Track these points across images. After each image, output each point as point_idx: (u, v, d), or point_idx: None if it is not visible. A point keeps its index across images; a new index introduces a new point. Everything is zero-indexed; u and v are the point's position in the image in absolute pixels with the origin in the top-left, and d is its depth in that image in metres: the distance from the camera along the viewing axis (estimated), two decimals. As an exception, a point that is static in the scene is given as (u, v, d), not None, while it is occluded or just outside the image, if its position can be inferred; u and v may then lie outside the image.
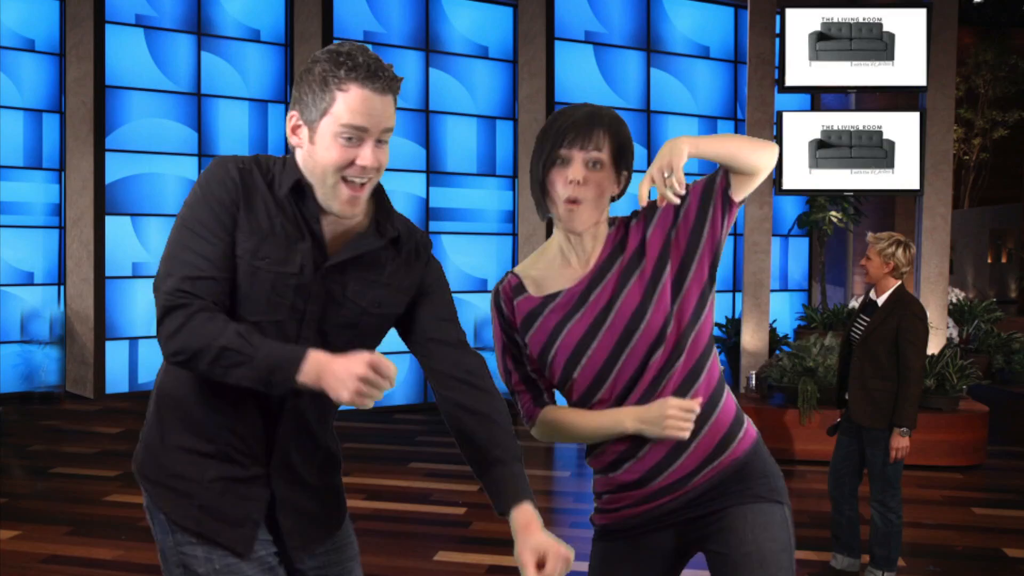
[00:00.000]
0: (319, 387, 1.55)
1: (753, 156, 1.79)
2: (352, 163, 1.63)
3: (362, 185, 1.66)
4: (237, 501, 1.73)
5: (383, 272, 1.75)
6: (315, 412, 1.78)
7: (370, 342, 1.77)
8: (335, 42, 1.70)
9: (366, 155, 1.63)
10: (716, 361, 1.90)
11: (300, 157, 1.68)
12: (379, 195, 1.77)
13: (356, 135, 1.62)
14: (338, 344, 1.68)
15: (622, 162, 1.85)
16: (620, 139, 1.83)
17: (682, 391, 1.83)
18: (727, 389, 1.92)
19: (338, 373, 1.53)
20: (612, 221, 1.92)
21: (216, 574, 1.71)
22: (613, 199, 1.88)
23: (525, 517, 1.72)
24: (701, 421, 1.84)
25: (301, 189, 1.68)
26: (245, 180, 1.67)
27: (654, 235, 1.86)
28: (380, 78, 1.62)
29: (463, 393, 1.78)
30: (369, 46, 6.45)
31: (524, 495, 1.73)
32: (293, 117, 1.67)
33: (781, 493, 1.88)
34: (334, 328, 1.73)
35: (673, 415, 1.78)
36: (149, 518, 1.79)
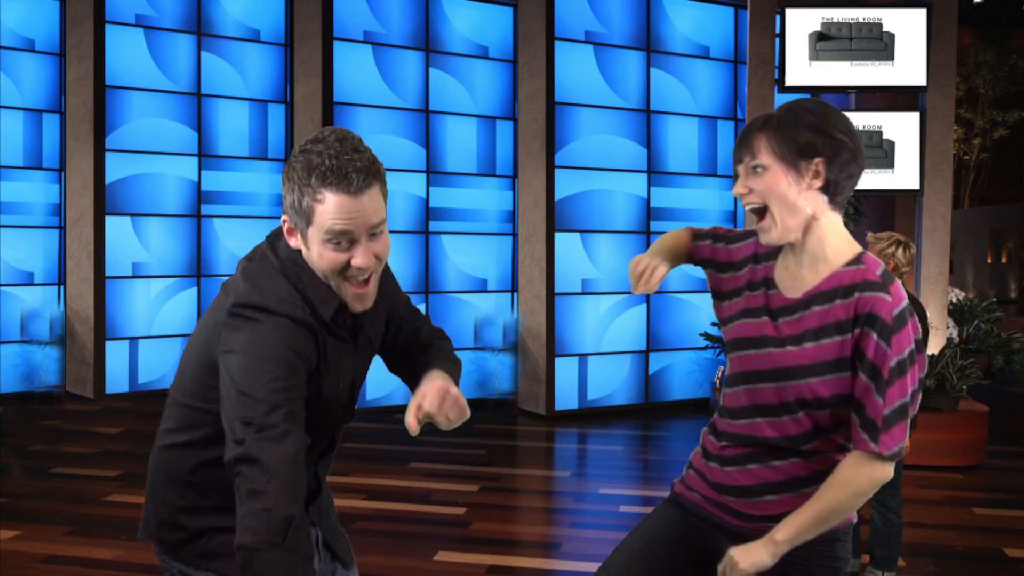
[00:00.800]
0: None
1: (851, 506, 1.78)
2: (348, 265, 1.63)
3: (365, 281, 1.67)
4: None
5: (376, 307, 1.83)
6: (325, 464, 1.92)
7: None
8: (313, 134, 1.65)
9: (358, 256, 1.63)
10: (842, 451, 1.88)
11: (305, 256, 1.68)
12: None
13: (344, 239, 1.61)
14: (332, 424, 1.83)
15: (796, 156, 1.75)
16: (783, 136, 1.75)
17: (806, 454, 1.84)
18: None
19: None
20: (859, 259, 1.78)
21: None
22: (832, 197, 1.76)
23: (435, 372, 1.82)
24: (803, 482, 1.82)
25: (342, 306, 1.70)
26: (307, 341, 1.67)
27: (839, 343, 1.76)
28: (352, 180, 1.57)
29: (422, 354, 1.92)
30: (369, 46, 6.44)
31: (437, 367, 1.83)
32: (285, 222, 1.67)
33: None
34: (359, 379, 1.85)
35: None
36: None
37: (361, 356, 1.80)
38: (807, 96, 8.79)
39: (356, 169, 1.58)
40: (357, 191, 1.58)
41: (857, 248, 1.81)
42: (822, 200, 1.76)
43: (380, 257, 1.65)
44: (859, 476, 1.74)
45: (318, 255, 1.63)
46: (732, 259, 1.92)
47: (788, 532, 1.73)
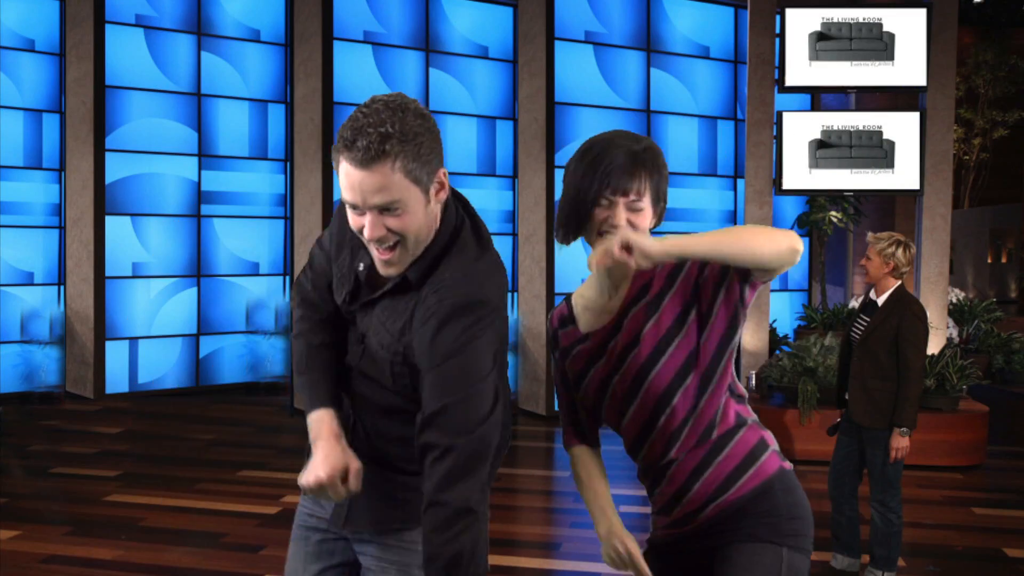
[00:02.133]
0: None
1: (748, 247, 1.68)
2: (360, 231, 1.65)
3: (388, 249, 1.65)
4: None
5: (397, 319, 1.74)
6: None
7: (388, 384, 1.78)
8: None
9: (366, 226, 1.63)
10: (731, 405, 1.88)
11: None
12: (437, 249, 1.71)
13: (355, 207, 1.63)
14: (368, 378, 1.80)
15: (660, 199, 1.84)
16: (659, 180, 1.82)
17: (698, 440, 1.86)
18: (749, 425, 1.90)
19: (315, 459, 1.69)
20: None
21: None
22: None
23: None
24: (710, 458, 1.86)
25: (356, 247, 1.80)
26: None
27: (680, 285, 1.83)
28: (357, 151, 1.56)
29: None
30: (369, 46, 6.42)
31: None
32: None
33: (785, 535, 1.83)
34: (367, 363, 1.79)
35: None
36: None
37: (368, 335, 1.78)
38: (805, 95, 8.78)
39: (367, 142, 1.55)
40: (362, 164, 1.57)
41: None
42: None
43: (395, 231, 1.63)
44: (765, 229, 1.72)
45: (349, 216, 1.67)
46: (567, 343, 1.96)
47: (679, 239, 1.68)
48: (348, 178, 1.59)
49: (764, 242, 1.69)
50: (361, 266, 1.78)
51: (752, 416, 1.93)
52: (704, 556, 1.92)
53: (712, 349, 1.82)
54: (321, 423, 1.75)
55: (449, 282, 1.67)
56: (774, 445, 1.92)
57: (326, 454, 1.69)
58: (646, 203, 1.81)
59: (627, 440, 1.98)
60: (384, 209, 1.60)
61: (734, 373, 1.90)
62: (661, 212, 1.86)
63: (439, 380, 1.62)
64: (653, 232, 1.84)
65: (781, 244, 1.69)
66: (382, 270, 1.69)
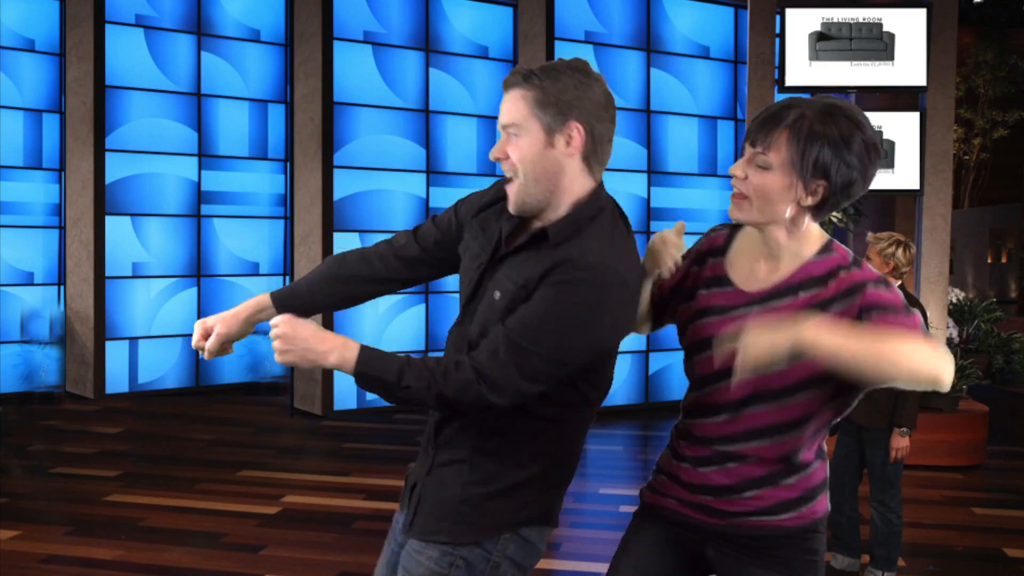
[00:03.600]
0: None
1: (909, 378, 1.59)
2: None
3: (510, 180, 1.77)
4: None
5: (527, 270, 1.74)
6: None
7: None
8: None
9: (497, 146, 1.77)
10: (816, 441, 1.84)
11: None
12: (583, 214, 1.76)
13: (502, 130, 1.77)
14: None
15: (805, 171, 1.68)
16: (804, 147, 1.67)
17: (770, 432, 1.78)
18: (823, 460, 1.86)
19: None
20: (828, 247, 1.78)
21: None
22: (813, 213, 1.74)
23: None
24: (777, 478, 1.79)
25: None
26: (474, 196, 1.97)
27: (847, 310, 1.71)
28: (506, 79, 1.76)
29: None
30: (369, 46, 6.45)
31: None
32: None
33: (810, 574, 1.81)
34: (477, 325, 1.80)
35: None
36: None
37: (489, 292, 1.79)
38: (805, 95, 8.79)
39: (514, 72, 1.75)
40: (505, 87, 1.75)
41: (826, 237, 1.80)
42: (805, 215, 1.76)
43: (510, 156, 1.74)
44: (926, 353, 1.58)
45: None
46: (690, 275, 1.91)
47: (827, 335, 1.55)
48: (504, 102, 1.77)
49: (926, 377, 1.58)
50: (506, 224, 1.83)
51: (825, 449, 1.89)
52: (700, 549, 1.88)
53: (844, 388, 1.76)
54: (236, 313, 2.06)
55: (593, 246, 1.71)
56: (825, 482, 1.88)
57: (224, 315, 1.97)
58: (775, 162, 1.69)
59: (695, 389, 1.88)
60: (507, 131, 1.75)
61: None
62: (824, 193, 1.70)
63: (526, 317, 1.67)
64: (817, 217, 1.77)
65: (937, 381, 1.60)
66: (509, 201, 1.79)
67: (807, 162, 1.68)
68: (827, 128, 1.67)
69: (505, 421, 1.76)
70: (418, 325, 7.86)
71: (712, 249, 1.89)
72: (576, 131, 1.74)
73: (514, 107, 1.72)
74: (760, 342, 1.58)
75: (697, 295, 1.86)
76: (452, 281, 7.95)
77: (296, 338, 1.69)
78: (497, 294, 1.76)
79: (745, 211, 1.76)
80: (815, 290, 1.74)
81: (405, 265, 1.98)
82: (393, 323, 7.78)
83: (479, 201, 1.92)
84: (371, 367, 1.67)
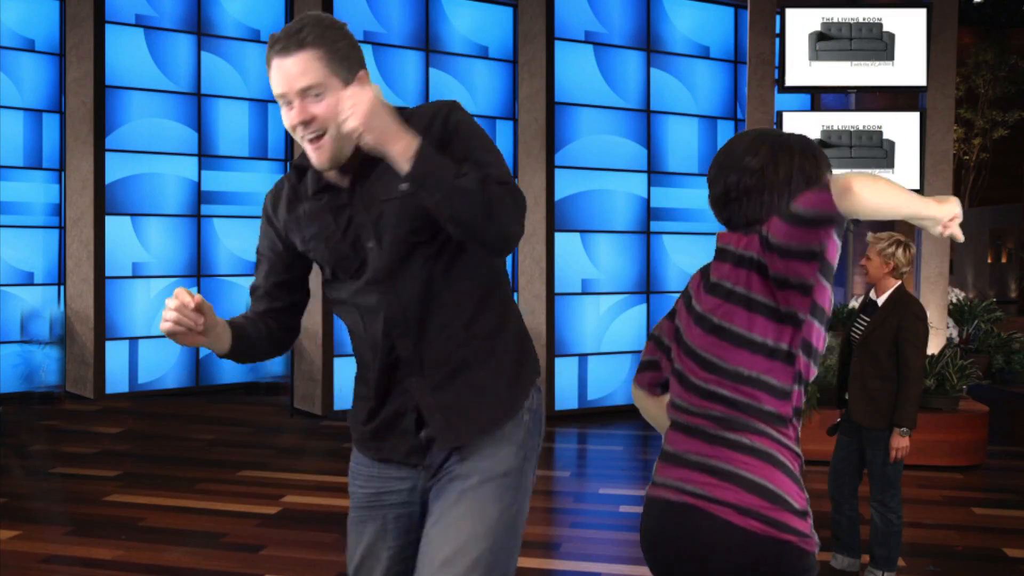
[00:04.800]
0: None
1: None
2: (291, 126, 1.80)
3: (315, 139, 1.80)
4: None
5: (393, 178, 1.81)
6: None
7: (419, 257, 1.86)
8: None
9: (294, 112, 1.78)
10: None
11: None
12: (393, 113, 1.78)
13: (284, 101, 1.79)
14: (412, 250, 1.86)
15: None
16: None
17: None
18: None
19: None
20: None
21: None
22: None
23: None
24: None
25: (302, 168, 1.94)
26: (272, 201, 2.01)
27: None
28: (280, 40, 1.76)
29: None
30: (369, 46, 6.44)
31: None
32: None
33: None
34: (397, 232, 1.85)
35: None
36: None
37: (366, 208, 1.86)
38: (805, 95, 8.79)
39: (286, 35, 1.76)
40: (284, 51, 1.76)
41: None
42: None
43: (318, 117, 1.77)
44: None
45: (283, 117, 1.83)
46: None
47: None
48: (276, 72, 1.77)
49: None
50: (310, 182, 1.92)
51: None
52: None
53: None
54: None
55: (424, 108, 1.88)
56: None
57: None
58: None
59: None
60: (306, 93, 1.76)
61: None
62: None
63: (476, 146, 1.85)
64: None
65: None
66: (316, 161, 1.83)
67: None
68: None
69: (467, 304, 1.89)
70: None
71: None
72: (366, 77, 1.84)
73: (310, 69, 1.75)
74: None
75: None
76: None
77: (380, 112, 1.69)
78: (398, 217, 1.84)
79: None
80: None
81: (289, 312, 2.12)
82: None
83: (281, 203, 1.99)
84: (432, 154, 1.72)
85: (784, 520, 1.70)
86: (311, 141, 1.80)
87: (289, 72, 1.76)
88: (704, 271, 1.88)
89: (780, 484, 1.72)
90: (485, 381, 1.91)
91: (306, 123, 1.78)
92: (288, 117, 1.80)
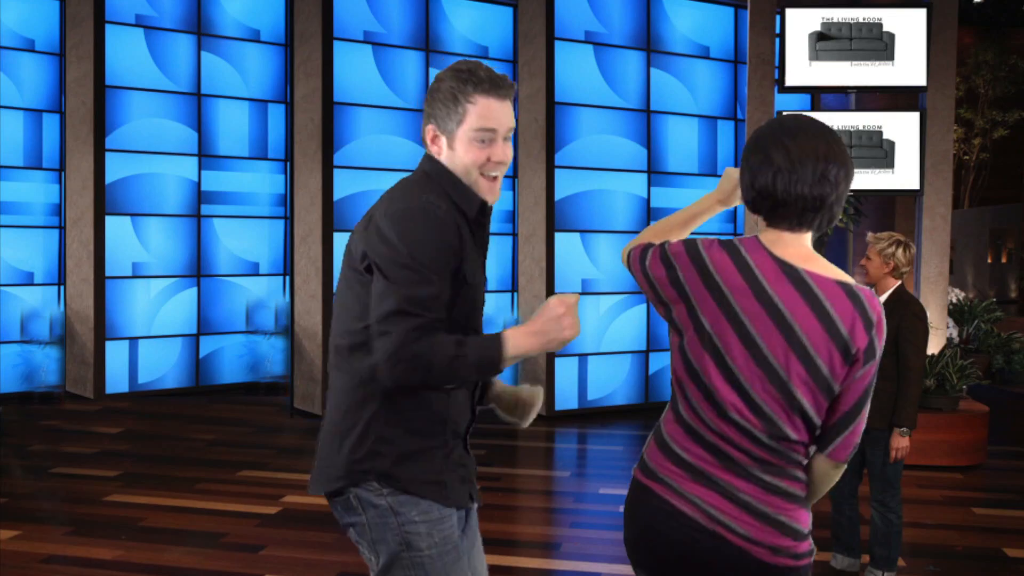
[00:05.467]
0: (534, 352, 1.92)
1: None
2: (487, 160, 1.99)
3: (495, 178, 2.02)
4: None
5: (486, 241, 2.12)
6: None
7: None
8: (451, 63, 2.06)
9: (498, 151, 1.99)
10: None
11: (444, 161, 2.03)
12: None
13: (486, 137, 1.97)
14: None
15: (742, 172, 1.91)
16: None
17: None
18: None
19: (547, 327, 1.91)
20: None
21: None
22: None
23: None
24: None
25: (484, 207, 2.05)
26: (454, 222, 1.99)
27: None
28: (501, 86, 1.97)
29: None
30: (369, 46, 6.45)
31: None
32: (430, 130, 2.03)
33: None
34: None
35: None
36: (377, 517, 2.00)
37: (484, 255, 2.11)
38: (805, 95, 8.79)
39: (500, 79, 1.98)
40: (503, 95, 1.98)
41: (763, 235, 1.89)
42: (753, 215, 1.96)
43: (508, 159, 2.02)
44: None
45: (464, 152, 1.99)
46: None
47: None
48: (489, 110, 1.96)
49: None
50: (477, 216, 2.05)
51: None
52: None
53: None
54: (512, 336, 1.93)
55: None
56: None
57: (541, 319, 1.94)
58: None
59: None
60: (507, 136, 2.01)
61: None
62: (746, 194, 1.84)
63: None
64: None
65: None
66: (492, 198, 2.04)
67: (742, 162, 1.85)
68: (756, 133, 1.83)
69: None
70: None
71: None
72: None
73: (513, 116, 2.01)
74: None
75: None
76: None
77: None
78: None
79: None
80: None
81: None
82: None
83: (462, 231, 2.02)
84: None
85: (802, 550, 1.80)
86: (494, 179, 2.02)
87: (506, 113, 1.98)
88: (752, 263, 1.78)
89: (804, 521, 1.82)
90: None
91: (504, 163, 2.00)
92: (487, 152, 1.98)
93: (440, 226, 1.91)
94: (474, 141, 1.97)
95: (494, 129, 1.97)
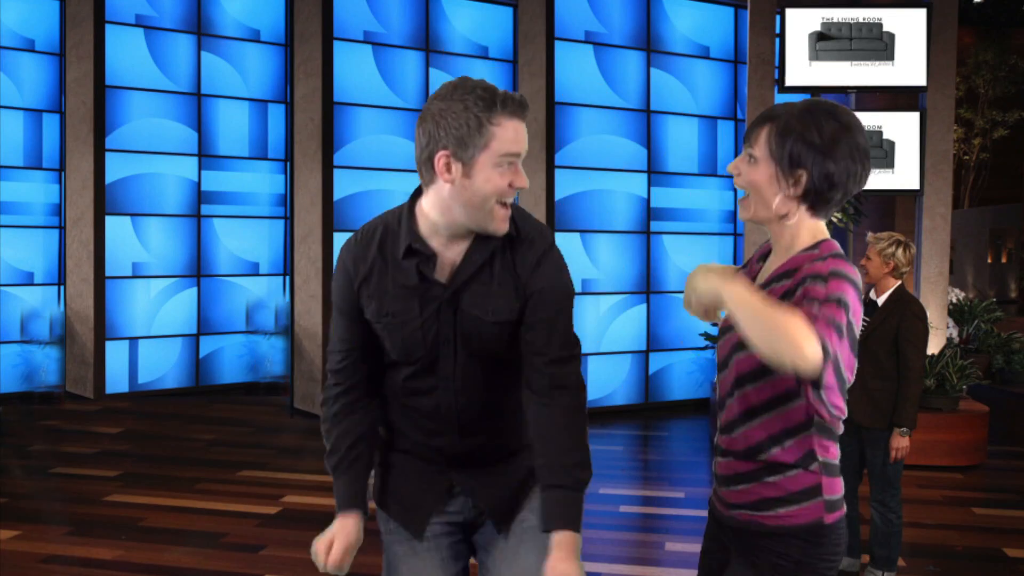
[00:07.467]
0: None
1: (770, 345, 1.58)
2: (509, 186, 1.83)
3: (507, 205, 1.86)
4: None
5: (493, 279, 1.89)
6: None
7: (504, 353, 1.93)
8: (445, 84, 1.89)
9: (520, 177, 1.84)
10: (806, 439, 1.83)
11: (447, 192, 1.85)
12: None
13: (511, 161, 1.82)
14: (481, 360, 1.93)
15: (785, 161, 1.77)
16: (781, 138, 1.77)
17: (738, 424, 1.84)
18: (808, 473, 1.84)
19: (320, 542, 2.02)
20: (817, 244, 1.81)
21: None
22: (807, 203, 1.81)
23: (556, 540, 1.85)
24: (763, 472, 1.82)
25: (411, 250, 1.89)
26: (356, 260, 1.93)
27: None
28: (518, 103, 1.82)
29: (531, 407, 1.94)
30: (369, 46, 6.45)
31: (556, 522, 1.87)
32: (443, 156, 1.83)
33: None
34: (474, 346, 1.91)
35: None
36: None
37: (441, 313, 1.89)
38: (823, 97, 8.78)
39: (520, 101, 1.83)
40: (519, 116, 1.83)
41: (821, 235, 1.84)
42: (798, 206, 1.81)
43: (527, 186, 1.89)
44: (798, 326, 1.57)
45: (485, 180, 1.81)
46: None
47: (739, 289, 1.65)
48: (514, 132, 1.81)
49: (785, 348, 1.57)
50: (416, 265, 1.90)
51: (828, 458, 1.86)
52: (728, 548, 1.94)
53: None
54: (343, 527, 2.03)
55: (532, 223, 1.94)
56: (829, 495, 1.88)
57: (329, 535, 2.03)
58: (760, 155, 1.80)
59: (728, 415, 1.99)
60: (519, 161, 1.86)
61: (821, 401, 1.78)
62: (807, 183, 1.77)
63: (545, 310, 1.89)
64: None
65: (794, 358, 1.56)
66: (503, 227, 1.86)
67: (784, 151, 1.77)
68: (803, 121, 1.77)
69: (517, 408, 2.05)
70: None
71: (764, 253, 1.97)
72: None
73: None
74: (695, 283, 1.72)
75: None
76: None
77: None
78: (484, 317, 1.92)
79: (748, 209, 1.86)
80: (785, 281, 1.80)
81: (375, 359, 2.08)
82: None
83: (367, 264, 1.99)
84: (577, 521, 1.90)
85: None
86: (505, 206, 1.85)
87: (524, 136, 1.84)
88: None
89: None
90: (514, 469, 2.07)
91: (523, 188, 1.87)
92: (509, 178, 1.82)
93: (339, 264, 1.97)
94: (498, 167, 1.81)
95: (519, 153, 1.82)
